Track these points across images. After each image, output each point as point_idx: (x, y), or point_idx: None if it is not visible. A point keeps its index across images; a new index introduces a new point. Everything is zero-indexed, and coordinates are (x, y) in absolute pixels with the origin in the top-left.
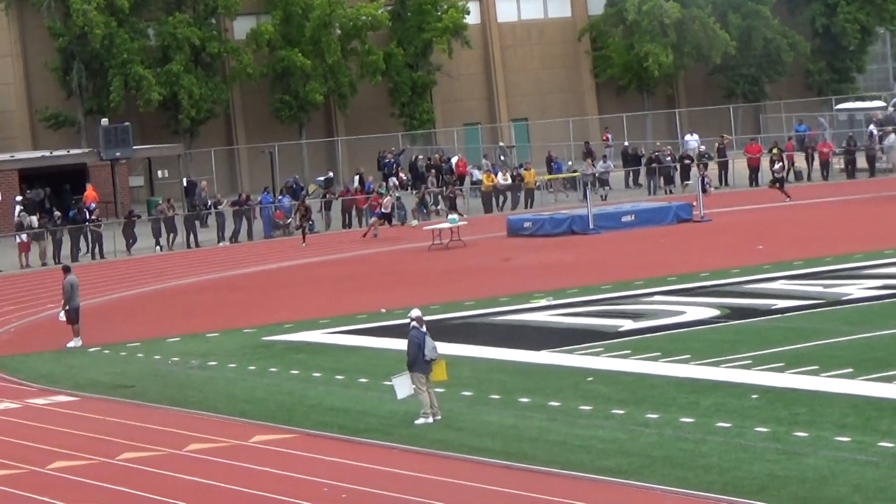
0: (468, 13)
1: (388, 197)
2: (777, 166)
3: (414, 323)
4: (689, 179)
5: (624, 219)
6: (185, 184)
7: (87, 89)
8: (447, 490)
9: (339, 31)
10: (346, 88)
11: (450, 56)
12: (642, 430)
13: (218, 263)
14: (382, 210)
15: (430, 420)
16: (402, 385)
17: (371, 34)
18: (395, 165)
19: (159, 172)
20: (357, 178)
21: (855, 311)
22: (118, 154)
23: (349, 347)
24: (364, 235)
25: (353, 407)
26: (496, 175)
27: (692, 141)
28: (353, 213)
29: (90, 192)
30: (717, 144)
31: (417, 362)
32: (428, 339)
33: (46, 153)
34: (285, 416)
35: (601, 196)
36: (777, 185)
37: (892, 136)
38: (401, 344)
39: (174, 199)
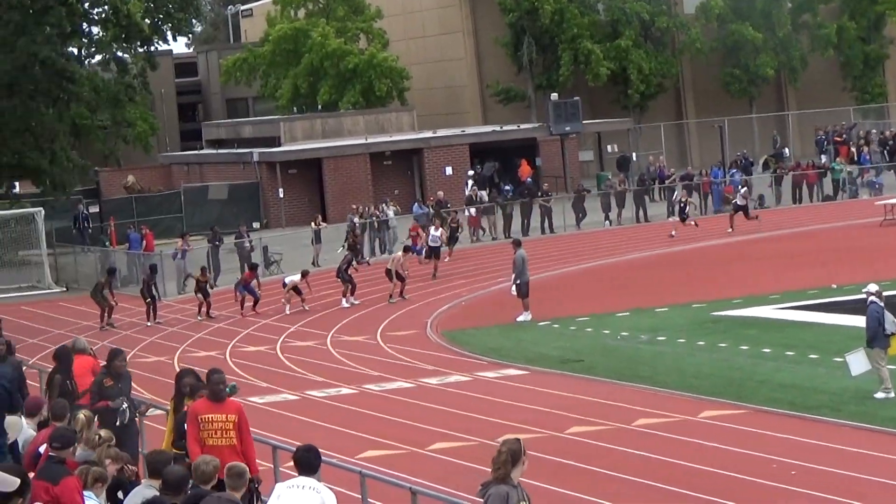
0: None
1: (439, 228)
2: None
3: (873, 297)
4: None
5: None
6: (634, 158)
7: (537, 64)
8: None
9: (789, 5)
10: (796, 62)
11: None
12: None
13: (666, 238)
14: (430, 244)
15: (892, 395)
16: (857, 361)
17: (822, 7)
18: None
19: (608, 147)
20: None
21: None
22: (567, 128)
23: (799, 323)
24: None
25: (803, 383)
26: None
27: None
28: (804, 187)
29: (524, 166)
30: None
31: (877, 337)
32: (887, 313)
33: (496, 128)
34: (735, 391)
35: None
36: None
37: None
38: (852, 320)
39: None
